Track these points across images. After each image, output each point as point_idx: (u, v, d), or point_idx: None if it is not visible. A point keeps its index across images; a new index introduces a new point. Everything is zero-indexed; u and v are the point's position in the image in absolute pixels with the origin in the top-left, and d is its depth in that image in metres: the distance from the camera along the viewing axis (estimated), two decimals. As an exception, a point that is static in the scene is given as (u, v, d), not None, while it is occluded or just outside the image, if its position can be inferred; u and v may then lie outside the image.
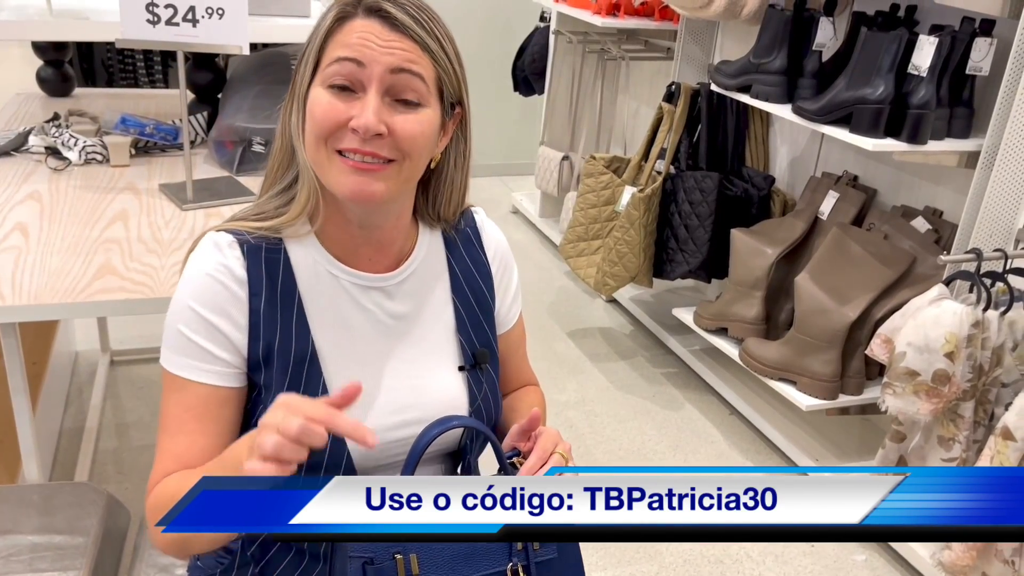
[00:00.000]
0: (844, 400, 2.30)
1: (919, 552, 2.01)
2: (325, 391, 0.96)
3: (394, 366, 1.00)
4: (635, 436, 2.56)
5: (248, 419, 0.98)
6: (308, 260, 0.97)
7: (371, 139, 0.88)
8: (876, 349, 1.98)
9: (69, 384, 2.55)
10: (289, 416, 0.73)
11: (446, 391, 1.02)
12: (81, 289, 1.45)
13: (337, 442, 0.93)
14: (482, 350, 1.05)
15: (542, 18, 3.95)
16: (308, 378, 0.95)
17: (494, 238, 1.11)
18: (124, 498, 1.69)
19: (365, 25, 0.90)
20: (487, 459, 1.06)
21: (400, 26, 0.90)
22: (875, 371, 2.33)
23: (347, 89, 0.89)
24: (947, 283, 1.90)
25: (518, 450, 0.99)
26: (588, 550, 2.13)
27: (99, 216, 1.75)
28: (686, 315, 2.74)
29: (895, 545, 2.10)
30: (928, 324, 1.82)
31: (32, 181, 1.92)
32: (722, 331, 2.59)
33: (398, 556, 0.91)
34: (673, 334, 3.02)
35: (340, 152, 0.90)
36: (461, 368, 1.04)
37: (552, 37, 3.74)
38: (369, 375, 0.99)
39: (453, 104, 0.96)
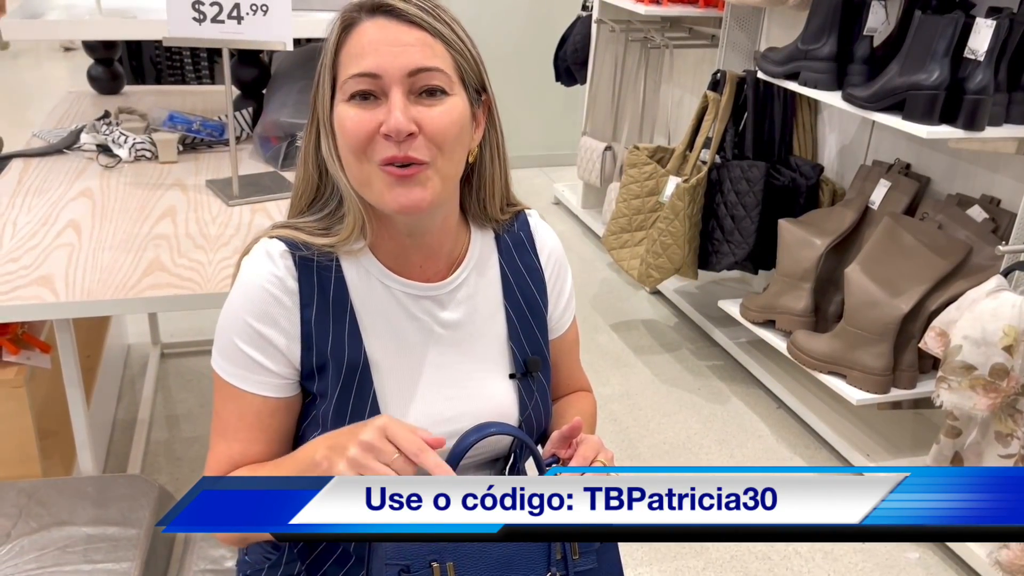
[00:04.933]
0: (896, 394, 2.25)
1: (975, 551, 1.96)
2: (375, 400, 0.96)
3: (445, 375, 1.00)
4: (680, 430, 2.54)
5: (302, 423, 0.99)
6: (361, 272, 0.98)
7: (405, 140, 0.87)
8: (930, 342, 1.93)
9: (122, 376, 2.61)
10: (400, 461, 0.79)
11: (497, 399, 1.02)
12: (132, 285, 1.48)
13: None
14: (533, 358, 1.04)
15: (584, 7, 3.91)
16: (360, 386, 0.95)
17: (548, 242, 1.10)
18: (175, 489, 1.73)
19: (372, 27, 0.89)
20: (528, 466, 1.04)
21: (408, 18, 0.89)
22: (928, 364, 2.27)
23: (370, 96, 0.89)
24: (1005, 274, 1.85)
25: (557, 457, 0.98)
26: (633, 545, 2.11)
27: (148, 213, 1.78)
28: (732, 307, 2.70)
29: (950, 543, 2.04)
30: (985, 317, 1.77)
31: (84, 178, 1.96)
32: (769, 323, 2.55)
33: (435, 564, 0.91)
34: (719, 326, 2.97)
35: (381, 165, 0.89)
36: (512, 376, 1.04)
37: (594, 26, 3.70)
38: (420, 384, 0.99)
39: (479, 92, 0.95)
